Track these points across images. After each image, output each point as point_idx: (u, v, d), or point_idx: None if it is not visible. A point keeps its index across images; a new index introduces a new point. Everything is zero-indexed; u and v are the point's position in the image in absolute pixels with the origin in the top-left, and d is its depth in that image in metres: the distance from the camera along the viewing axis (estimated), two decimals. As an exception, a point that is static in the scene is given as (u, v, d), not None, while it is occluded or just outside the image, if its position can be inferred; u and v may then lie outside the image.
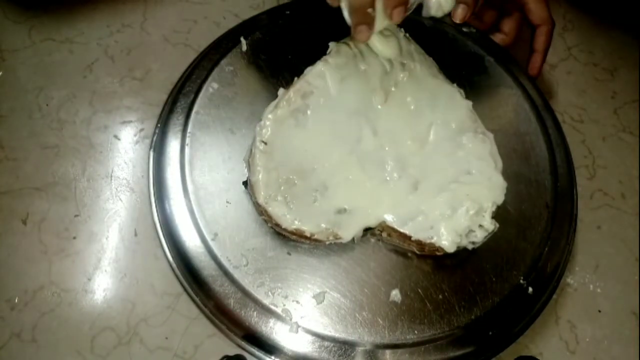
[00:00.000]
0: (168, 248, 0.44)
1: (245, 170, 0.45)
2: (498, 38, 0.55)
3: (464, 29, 0.55)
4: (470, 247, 0.44)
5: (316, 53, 0.48)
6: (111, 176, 0.49)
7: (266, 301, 0.41)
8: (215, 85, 0.49)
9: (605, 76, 0.63)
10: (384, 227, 0.44)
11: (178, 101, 0.48)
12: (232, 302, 0.41)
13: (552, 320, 0.49)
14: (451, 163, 0.46)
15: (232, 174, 0.45)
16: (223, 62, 0.50)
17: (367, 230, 0.44)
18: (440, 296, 0.43)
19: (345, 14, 0.43)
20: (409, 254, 0.44)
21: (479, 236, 0.43)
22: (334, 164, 0.44)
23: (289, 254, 0.43)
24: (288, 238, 0.43)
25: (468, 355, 0.42)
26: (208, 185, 0.45)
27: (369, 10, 0.40)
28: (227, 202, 0.44)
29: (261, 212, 0.43)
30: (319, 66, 0.46)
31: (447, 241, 0.42)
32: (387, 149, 0.46)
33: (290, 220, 0.42)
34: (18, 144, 0.49)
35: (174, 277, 0.44)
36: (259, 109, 0.47)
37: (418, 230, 0.43)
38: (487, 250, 0.45)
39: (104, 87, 0.53)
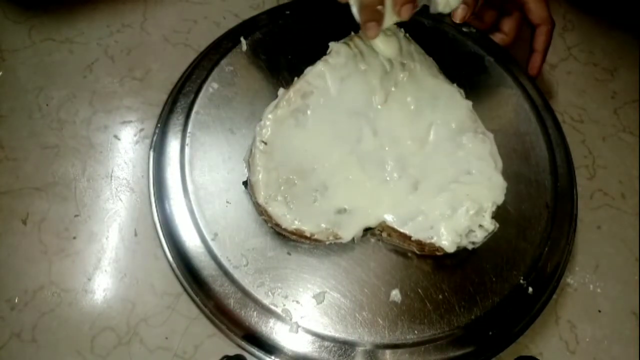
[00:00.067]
0: (168, 248, 0.44)
1: (245, 170, 0.45)
2: (498, 38, 0.55)
3: (464, 29, 0.55)
4: (470, 247, 0.44)
5: (316, 53, 0.48)
6: (111, 176, 0.49)
7: (266, 301, 0.41)
8: (215, 85, 0.49)
9: (605, 76, 0.63)
10: (384, 227, 0.44)
11: (178, 101, 0.48)
12: (232, 302, 0.41)
13: (552, 320, 0.49)
14: (451, 163, 0.46)
15: (232, 174, 0.45)
16: (223, 62, 0.50)
17: (367, 230, 0.44)
18: (440, 296, 0.43)
19: (354, 11, 0.43)
20: (409, 254, 0.44)
21: (479, 236, 0.43)
22: (334, 164, 0.44)
23: (289, 254, 0.43)
24: (288, 238, 0.43)
25: (468, 355, 0.42)
26: (208, 185, 0.45)
27: (379, 7, 0.41)
28: (227, 202, 0.44)
29: (261, 212, 0.43)
30: (319, 66, 0.46)
31: (447, 241, 0.42)
32: (387, 149, 0.46)
33: (290, 220, 0.42)
34: (18, 144, 0.49)
35: (174, 277, 0.44)
36: (259, 109, 0.47)
37: (418, 230, 0.43)
38: (487, 250, 0.45)
39: (104, 87, 0.53)
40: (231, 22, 0.55)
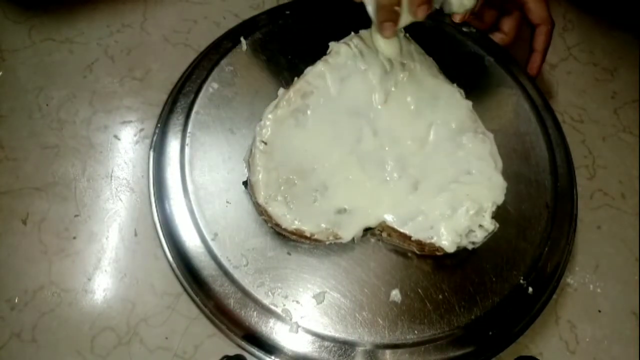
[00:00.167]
0: (168, 248, 0.44)
1: (245, 170, 0.45)
2: (498, 37, 0.55)
3: (464, 29, 0.55)
4: (470, 247, 0.44)
5: (316, 53, 0.48)
6: (111, 176, 0.49)
7: (266, 301, 0.41)
8: (215, 85, 0.49)
9: (605, 76, 0.63)
10: (384, 227, 0.44)
11: (178, 101, 0.48)
12: (232, 302, 0.41)
13: (552, 320, 0.49)
14: (451, 163, 0.46)
15: (232, 174, 0.45)
16: (223, 62, 0.50)
17: (367, 230, 0.44)
18: (440, 296, 0.43)
19: (370, 10, 0.43)
20: (409, 254, 0.44)
21: (479, 236, 0.43)
22: (334, 164, 0.44)
23: (289, 254, 0.43)
24: (288, 238, 0.43)
25: (468, 355, 0.42)
26: (208, 185, 0.45)
27: (396, 8, 0.41)
28: (227, 202, 0.44)
29: (261, 212, 0.43)
30: (319, 66, 0.46)
31: (447, 241, 0.42)
32: (387, 149, 0.46)
33: (290, 220, 0.42)
34: (18, 144, 0.49)
35: (174, 277, 0.44)
36: (259, 109, 0.47)
37: (418, 230, 0.43)
38: (487, 250, 0.45)
39: (104, 87, 0.53)
40: (231, 22, 0.55)
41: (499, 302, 0.44)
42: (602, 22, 0.66)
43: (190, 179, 0.45)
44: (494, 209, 0.44)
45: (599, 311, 0.50)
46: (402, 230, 0.43)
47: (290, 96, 0.45)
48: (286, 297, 0.42)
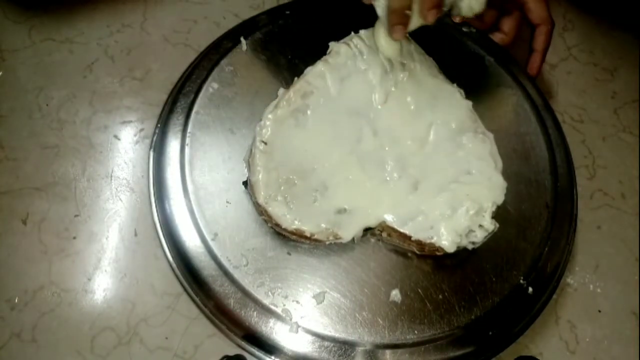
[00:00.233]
0: (168, 248, 0.44)
1: (245, 170, 0.45)
2: (498, 37, 0.55)
3: (464, 29, 0.55)
4: (470, 247, 0.44)
5: (316, 53, 0.48)
6: (111, 176, 0.49)
7: (266, 301, 0.41)
8: (215, 85, 0.49)
9: (605, 76, 0.63)
10: (384, 227, 0.44)
11: (178, 101, 0.48)
12: (232, 302, 0.41)
13: (552, 320, 0.49)
14: (451, 163, 0.46)
15: (232, 174, 0.45)
16: (223, 62, 0.50)
17: (367, 230, 0.44)
18: (440, 296, 0.43)
19: (380, 12, 0.44)
20: (409, 254, 0.44)
21: (479, 236, 0.43)
22: (334, 164, 0.44)
23: (289, 254, 0.43)
24: (288, 238, 0.43)
25: (468, 355, 0.42)
26: (208, 185, 0.45)
27: (407, 11, 0.42)
28: (227, 202, 0.44)
29: (261, 212, 0.43)
30: (319, 66, 0.47)
31: (447, 241, 0.42)
32: (387, 149, 0.46)
33: (290, 220, 0.42)
34: (18, 144, 0.49)
35: (174, 277, 0.44)
36: (259, 109, 0.47)
37: (418, 230, 0.43)
38: (487, 250, 0.45)
39: (104, 87, 0.53)
40: (231, 22, 0.55)
41: (499, 302, 0.44)
42: (602, 22, 0.66)
43: (190, 179, 0.45)
44: (494, 209, 0.44)
45: (599, 311, 0.50)
46: (402, 230, 0.43)
47: (290, 96, 0.45)
48: (286, 297, 0.42)
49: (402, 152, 0.46)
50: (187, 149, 0.46)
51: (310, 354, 0.41)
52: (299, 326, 0.41)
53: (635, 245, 0.53)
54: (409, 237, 0.43)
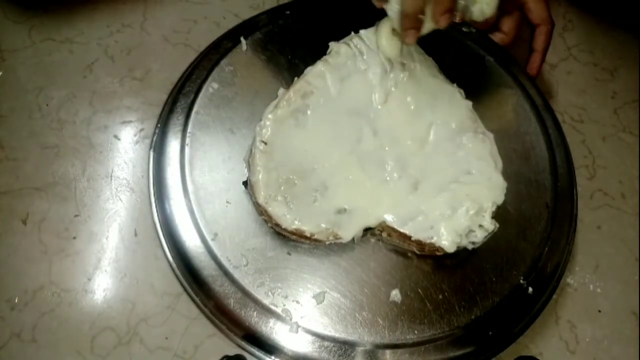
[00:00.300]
0: (168, 248, 0.44)
1: (245, 170, 0.45)
2: (497, 37, 0.55)
3: (464, 29, 0.55)
4: (470, 247, 0.44)
5: (316, 53, 0.48)
6: (111, 176, 0.49)
7: (266, 301, 0.41)
8: (215, 85, 0.49)
9: (605, 76, 0.63)
10: (384, 227, 0.44)
11: (178, 101, 0.48)
12: (232, 302, 0.41)
13: (552, 320, 0.49)
14: (451, 163, 0.46)
15: (232, 174, 0.45)
16: (223, 62, 0.50)
17: (367, 230, 0.44)
18: (440, 296, 0.43)
19: (393, 15, 0.43)
20: (409, 254, 0.44)
21: (479, 236, 0.43)
22: (334, 164, 0.44)
23: (289, 254, 0.43)
24: (288, 238, 0.43)
25: (468, 355, 0.42)
26: (208, 185, 0.45)
27: (420, 16, 0.42)
28: (227, 202, 0.44)
29: (261, 212, 0.43)
30: (319, 66, 0.47)
31: (447, 241, 0.42)
32: (387, 149, 0.46)
33: (290, 220, 0.42)
34: (18, 144, 0.49)
35: (174, 277, 0.44)
36: (259, 109, 0.47)
37: (418, 230, 0.43)
38: (487, 250, 0.45)
39: (104, 87, 0.53)
40: (231, 22, 0.55)
41: (499, 302, 0.44)
42: (602, 22, 0.66)
43: (190, 179, 0.45)
44: (494, 209, 0.44)
45: (599, 311, 0.50)
46: (402, 230, 0.43)
47: (290, 96, 0.45)
48: (286, 297, 0.42)
49: (402, 152, 0.46)
50: (187, 149, 0.46)
51: (310, 354, 0.41)
52: (299, 326, 0.41)
53: (635, 245, 0.53)
54: (409, 237, 0.43)
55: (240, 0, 0.59)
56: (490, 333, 0.43)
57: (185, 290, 0.44)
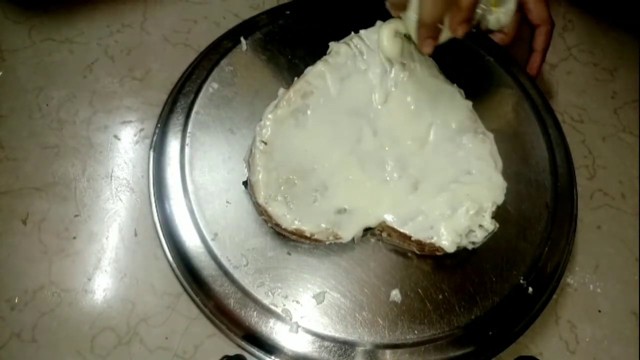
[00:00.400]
0: (168, 248, 0.44)
1: (245, 170, 0.45)
2: (497, 37, 0.55)
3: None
4: (470, 247, 0.44)
5: (316, 53, 0.48)
6: (111, 176, 0.49)
7: (266, 301, 0.41)
8: (215, 85, 0.49)
9: (605, 76, 0.63)
10: (384, 227, 0.44)
11: (178, 101, 0.48)
12: (232, 302, 0.41)
13: (552, 320, 0.49)
14: (451, 163, 0.46)
15: (232, 174, 0.45)
16: (223, 62, 0.50)
17: (367, 230, 0.44)
18: (440, 296, 0.43)
19: (410, 24, 0.43)
20: (409, 254, 0.44)
21: (479, 236, 0.43)
22: (334, 164, 0.44)
23: (289, 254, 0.43)
24: (288, 238, 0.43)
25: (468, 355, 0.42)
26: (208, 185, 0.45)
27: (439, 25, 0.41)
28: (227, 202, 0.44)
29: (261, 212, 0.43)
30: (319, 66, 0.46)
31: (447, 241, 0.42)
32: (387, 149, 0.46)
33: (290, 220, 0.42)
34: (18, 144, 0.49)
35: (174, 277, 0.44)
36: (259, 109, 0.47)
37: (418, 230, 0.43)
38: (487, 250, 0.45)
39: (104, 87, 0.53)
40: (231, 22, 0.55)
41: (499, 302, 0.44)
42: (602, 22, 0.66)
43: (190, 179, 0.45)
44: (494, 209, 0.44)
45: (599, 311, 0.50)
46: (402, 230, 0.43)
47: (290, 96, 0.45)
48: (286, 297, 0.42)
49: (402, 152, 0.46)
50: (187, 149, 0.46)
51: (310, 354, 0.41)
52: (299, 326, 0.41)
53: (635, 245, 0.53)
54: (409, 237, 0.43)
55: (240, 0, 0.59)
56: (490, 333, 0.43)
57: (185, 290, 0.44)
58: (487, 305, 0.43)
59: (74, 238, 0.46)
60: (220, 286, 0.42)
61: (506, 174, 0.46)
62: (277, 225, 0.42)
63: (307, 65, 0.48)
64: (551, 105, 0.54)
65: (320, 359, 0.40)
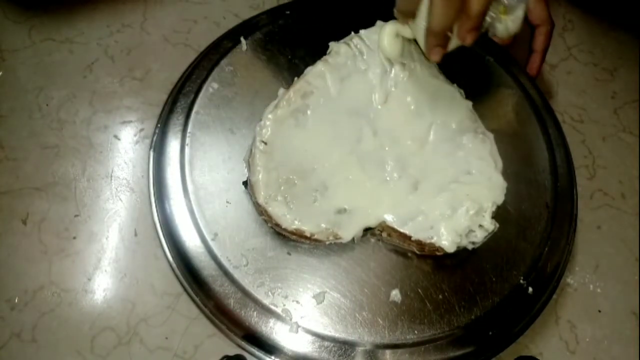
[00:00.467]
0: (168, 248, 0.44)
1: (245, 170, 0.45)
2: (498, 38, 0.55)
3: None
4: (470, 247, 0.44)
5: (316, 53, 0.48)
6: (111, 176, 0.49)
7: (266, 301, 0.41)
8: (215, 85, 0.49)
9: (605, 76, 0.63)
10: (384, 227, 0.44)
11: (178, 101, 0.48)
12: (232, 302, 0.41)
13: (552, 320, 0.49)
14: (451, 163, 0.46)
15: (232, 174, 0.45)
16: (223, 62, 0.50)
17: (367, 230, 0.44)
18: (440, 296, 0.43)
19: (419, 32, 0.43)
20: (409, 254, 0.44)
21: (479, 236, 0.43)
22: (334, 164, 0.44)
23: (289, 254, 0.43)
24: (288, 238, 0.43)
25: (468, 355, 0.42)
26: (208, 185, 0.45)
27: (448, 33, 0.41)
28: (227, 202, 0.44)
29: (261, 212, 0.43)
30: (319, 66, 0.46)
31: (447, 241, 0.42)
32: (387, 149, 0.46)
33: (290, 220, 0.42)
34: (18, 144, 0.49)
35: (174, 277, 0.44)
36: (259, 109, 0.47)
37: (418, 230, 0.43)
38: (487, 250, 0.45)
39: (104, 87, 0.53)
40: (231, 22, 0.55)
41: (499, 302, 0.44)
42: (602, 22, 0.66)
43: (190, 179, 0.45)
44: (494, 209, 0.44)
45: (599, 311, 0.50)
46: (402, 230, 0.43)
47: (290, 96, 0.45)
48: (286, 297, 0.42)
49: (402, 152, 0.46)
50: (187, 149, 0.46)
51: (310, 354, 0.41)
52: (299, 326, 0.41)
53: (635, 245, 0.53)
54: (409, 237, 0.43)
55: (240, 0, 0.59)
56: (490, 333, 0.43)
57: (185, 290, 0.43)
58: (487, 305, 0.43)
59: (74, 238, 0.46)
60: (220, 286, 0.42)
61: (506, 174, 0.46)
62: (277, 225, 0.42)
63: (307, 65, 0.48)
64: (551, 105, 0.54)
65: (320, 359, 0.41)
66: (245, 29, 0.52)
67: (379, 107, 0.47)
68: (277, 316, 0.41)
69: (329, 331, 0.41)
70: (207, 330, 0.44)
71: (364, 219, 0.43)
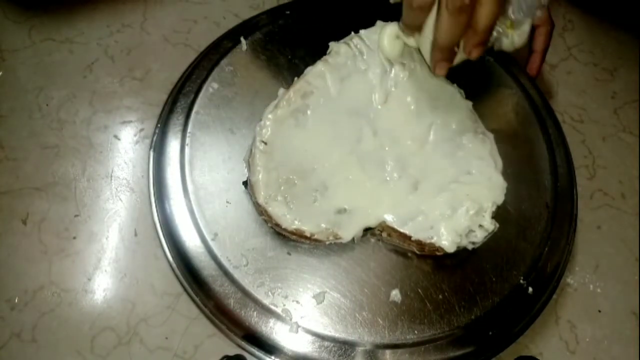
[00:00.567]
0: (168, 248, 0.44)
1: (245, 170, 0.45)
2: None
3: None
4: (470, 247, 0.44)
5: (316, 53, 0.48)
6: (111, 176, 0.49)
7: (266, 301, 0.41)
8: (215, 85, 0.49)
9: (605, 76, 0.63)
10: (384, 227, 0.44)
11: (178, 101, 0.48)
12: (232, 302, 0.41)
13: (552, 320, 0.49)
14: (451, 163, 0.46)
15: (232, 174, 0.45)
16: (223, 62, 0.50)
17: (367, 230, 0.44)
18: (440, 296, 0.43)
19: (425, 44, 0.42)
20: (409, 254, 0.44)
21: (479, 236, 0.43)
22: (334, 164, 0.44)
23: (289, 254, 0.43)
24: (288, 238, 0.43)
25: (468, 355, 0.42)
26: (208, 185, 0.45)
27: (455, 48, 0.41)
28: (227, 202, 0.44)
29: (261, 212, 0.43)
30: (319, 66, 0.46)
31: (447, 241, 0.42)
32: (387, 149, 0.46)
33: (290, 220, 0.42)
34: (18, 144, 0.49)
35: (174, 277, 0.44)
36: (259, 109, 0.47)
37: (418, 230, 0.43)
38: (487, 250, 0.45)
39: (104, 87, 0.53)
40: (231, 22, 0.55)
41: (499, 302, 0.44)
42: (602, 22, 0.66)
43: (190, 179, 0.45)
44: (494, 209, 0.44)
45: (599, 311, 0.50)
46: (402, 230, 0.43)
47: (290, 96, 0.45)
48: (286, 297, 0.42)
49: (402, 152, 0.46)
50: (187, 149, 0.46)
51: (310, 354, 0.41)
52: (299, 326, 0.41)
53: (635, 245, 0.53)
54: (409, 237, 0.43)
55: (240, 0, 0.59)
56: (490, 333, 0.43)
57: (185, 290, 0.43)
58: (487, 305, 0.43)
59: (74, 238, 0.46)
60: (220, 286, 0.42)
61: (506, 174, 0.46)
62: (277, 225, 0.42)
63: (307, 65, 0.48)
64: (551, 105, 0.54)
65: (320, 359, 0.41)
66: (245, 29, 0.52)
67: (379, 107, 0.47)
68: (277, 316, 0.41)
69: (329, 331, 0.41)
70: (207, 330, 0.44)
71: (364, 219, 0.43)
